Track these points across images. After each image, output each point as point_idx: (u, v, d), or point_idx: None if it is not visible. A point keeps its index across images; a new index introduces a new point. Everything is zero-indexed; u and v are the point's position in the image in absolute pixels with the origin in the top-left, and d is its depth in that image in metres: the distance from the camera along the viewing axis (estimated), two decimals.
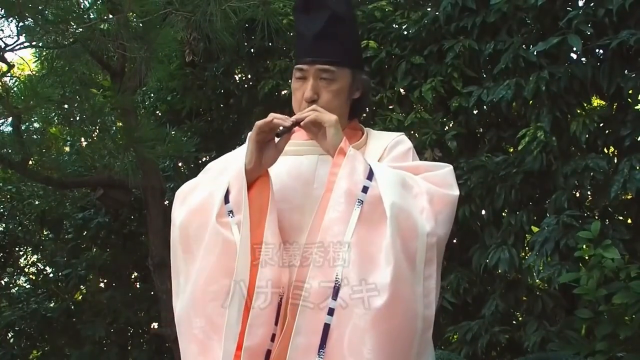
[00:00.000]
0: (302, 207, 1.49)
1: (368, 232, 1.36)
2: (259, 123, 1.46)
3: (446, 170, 1.55)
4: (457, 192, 1.51)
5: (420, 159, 1.66)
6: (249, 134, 1.49)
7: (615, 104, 4.02)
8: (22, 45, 4.15)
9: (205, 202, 1.46)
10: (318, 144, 1.50)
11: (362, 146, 1.60)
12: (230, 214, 1.42)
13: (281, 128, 1.46)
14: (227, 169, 1.51)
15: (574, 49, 3.79)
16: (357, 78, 1.61)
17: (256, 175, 1.46)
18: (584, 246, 3.36)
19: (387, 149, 1.59)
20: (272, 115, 1.48)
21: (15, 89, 4.39)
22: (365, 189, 1.39)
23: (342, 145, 1.44)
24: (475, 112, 4.54)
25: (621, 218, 4.06)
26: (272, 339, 1.36)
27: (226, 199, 1.44)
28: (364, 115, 1.64)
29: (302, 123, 1.47)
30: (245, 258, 1.37)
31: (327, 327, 1.31)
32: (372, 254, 1.34)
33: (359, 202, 1.37)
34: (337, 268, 1.33)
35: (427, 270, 1.40)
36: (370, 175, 1.41)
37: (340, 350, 1.30)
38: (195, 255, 1.44)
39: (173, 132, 5.40)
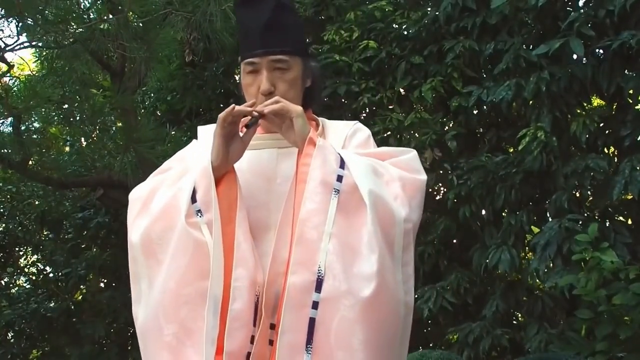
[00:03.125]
0: (267, 204, 1.45)
1: (347, 221, 1.34)
2: (221, 115, 1.42)
3: (412, 155, 1.53)
4: (425, 177, 1.51)
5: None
6: (214, 129, 1.45)
7: (615, 104, 4.02)
8: (22, 45, 4.16)
9: (169, 205, 1.40)
10: (282, 136, 1.46)
11: (321, 136, 1.55)
12: (199, 214, 1.37)
13: (250, 118, 1.43)
14: (189, 170, 1.45)
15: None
16: (307, 66, 1.56)
17: (223, 172, 1.42)
18: (583, 249, 3.36)
19: (346, 138, 1.57)
20: (232, 106, 1.44)
21: (15, 89, 4.39)
22: (340, 178, 1.37)
23: (311, 136, 1.41)
24: (475, 112, 4.54)
25: (622, 219, 4.06)
26: (252, 341, 1.32)
27: (193, 199, 1.38)
28: (319, 105, 1.59)
29: (266, 111, 1.42)
30: (219, 259, 1.33)
31: (312, 322, 1.28)
32: (353, 243, 1.33)
33: (335, 191, 1.35)
34: (319, 260, 1.30)
35: (405, 256, 1.40)
36: (342, 164, 1.39)
37: (327, 344, 1.28)
38: (161, 260, 1.38)
39: (173, 132, 5.41)
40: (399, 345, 1.38)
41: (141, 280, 1.42)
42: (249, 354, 1.32)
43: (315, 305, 1.28)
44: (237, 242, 1.36)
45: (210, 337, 1.29)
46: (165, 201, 1.41)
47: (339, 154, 1.43)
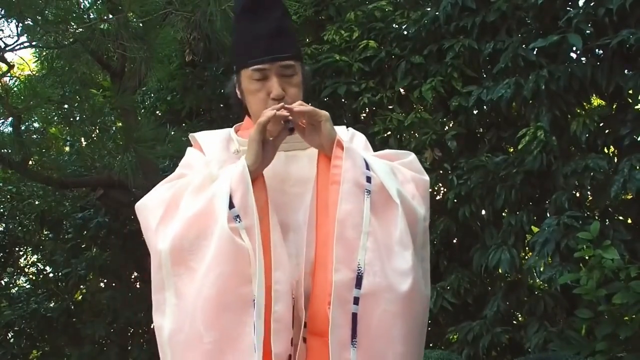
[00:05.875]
0: (284, 206, 1.49)
1: (378, 220, 1.41)
2: (262, 121, 1.44)
3: (413, 157, 1.62)
4: (428, 178, 1.59)
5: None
6: (251, 135, 1.46)
7: (615, 103, 4.02)
8: (22, 45, 4.16)
9: (203, 211, 1.40)
10: (304, 138, 1.50)
11: None
12: (238, 219, 1.38)
13: (288, 122, 1.46)
14: (212, 176, 1.47)
15: (574, 47, 3.79)
16: (304, 70, 1.61)
17: (256, 176, 1.44)
18: (584, 247, 3.36)
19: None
20: (268, 111, 1.45)
21: (15, 89, 4.39)
22: (368, 179, 1.43)
23: (338, 138, 1.47)
24: (475, 112, 4.54)
25: (621, 218, 4.06)
26: (291, 343, 1.36)
27: (230, 204, 1.39)
28: None
29: (296, 110, 1.44)
30: (261, 264, 1.36)
31: (354, 317, 1.34)
32: (386, 240, 1.40)
33: (367, 192, 1.42)
34: (358, 258, 1.36)
35: (423, 252, 1.51)
36: (367, 166, 1.46)
37: (368, 338, 1.33)
38: (193, 267, 1.38)
39: (173, 132, 5.40)
40: (423, 335, 1.49)
41: (166, 289, 1.42)
42: (289, 356, 1.36)
43: (356, 300, 1.34)
44: (273, 245, 1.40)
45: (260, 340, 1.32)
46: (198, 207, 1.41)
47: (363, 156, 1.49)
